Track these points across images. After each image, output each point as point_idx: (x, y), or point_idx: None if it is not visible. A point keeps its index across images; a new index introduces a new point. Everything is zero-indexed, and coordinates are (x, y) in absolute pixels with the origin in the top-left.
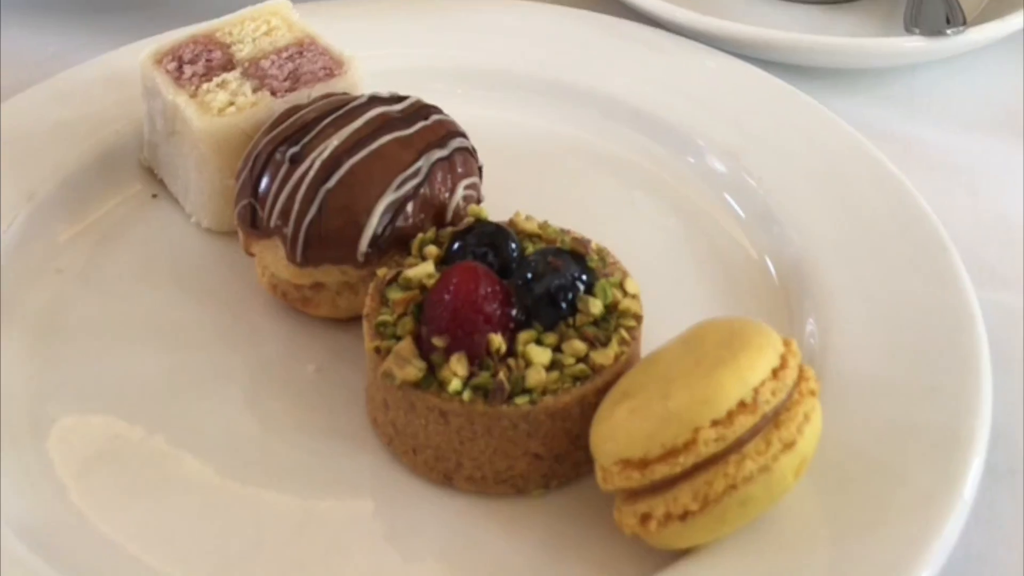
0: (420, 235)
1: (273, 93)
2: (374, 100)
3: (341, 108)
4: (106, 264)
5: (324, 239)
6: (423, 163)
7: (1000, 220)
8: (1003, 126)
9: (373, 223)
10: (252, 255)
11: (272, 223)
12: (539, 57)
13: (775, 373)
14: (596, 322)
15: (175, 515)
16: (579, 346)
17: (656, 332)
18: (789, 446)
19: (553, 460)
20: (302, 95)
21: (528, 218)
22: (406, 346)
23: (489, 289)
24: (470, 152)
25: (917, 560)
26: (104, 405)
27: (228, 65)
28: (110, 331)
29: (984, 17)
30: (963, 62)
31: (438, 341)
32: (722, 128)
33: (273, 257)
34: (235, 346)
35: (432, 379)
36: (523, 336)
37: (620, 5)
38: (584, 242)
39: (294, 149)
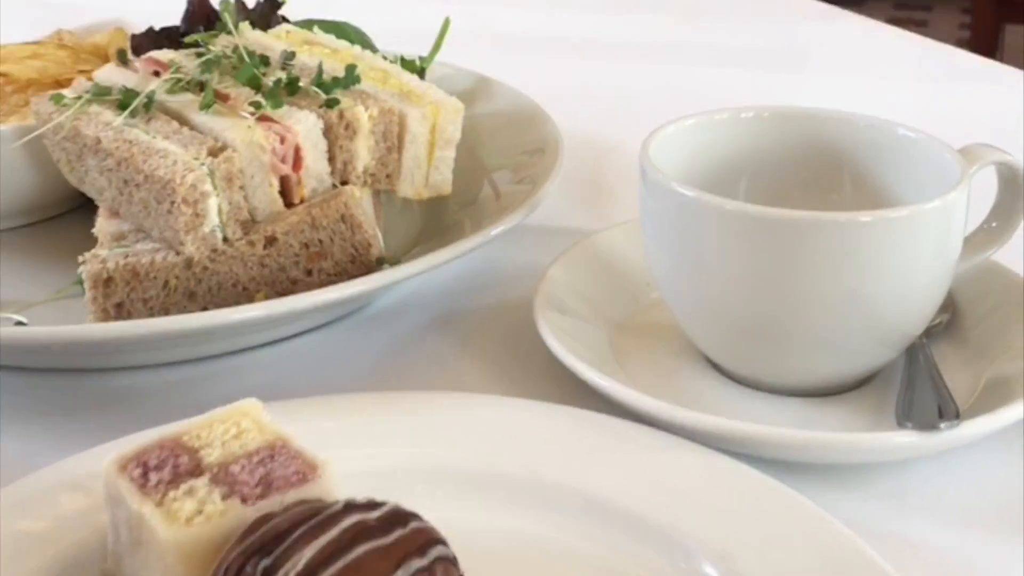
0: None
1: (244, 500)
2: (350, 507)
3: (315, 516)
4: None
5: None
6: (402, 574)
7: None
8: (1000, 522)
9: None
10: None
11: None
12: (523, 456)
13: None
14: None
15: None
16: None
17: None
18: None
19: None
20: (274, 502)
21: None
22: None
23: None
24: (451, 561)
25: None
26: None
27: (196, 471)
28: None
29: (977, 409)
30: (956, 454)
31: None
32: (713, 530)
33: None
34: None
35: None
36: None
37: (604, 400)
38: None
39: (266, 561)
